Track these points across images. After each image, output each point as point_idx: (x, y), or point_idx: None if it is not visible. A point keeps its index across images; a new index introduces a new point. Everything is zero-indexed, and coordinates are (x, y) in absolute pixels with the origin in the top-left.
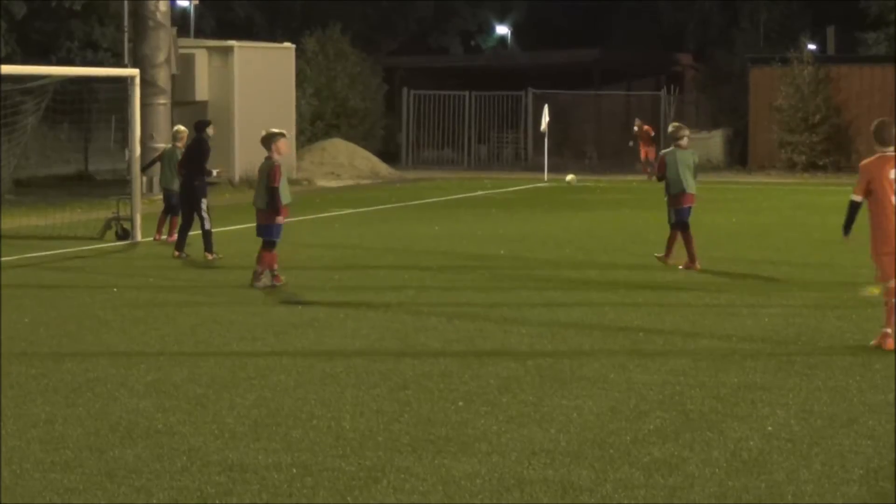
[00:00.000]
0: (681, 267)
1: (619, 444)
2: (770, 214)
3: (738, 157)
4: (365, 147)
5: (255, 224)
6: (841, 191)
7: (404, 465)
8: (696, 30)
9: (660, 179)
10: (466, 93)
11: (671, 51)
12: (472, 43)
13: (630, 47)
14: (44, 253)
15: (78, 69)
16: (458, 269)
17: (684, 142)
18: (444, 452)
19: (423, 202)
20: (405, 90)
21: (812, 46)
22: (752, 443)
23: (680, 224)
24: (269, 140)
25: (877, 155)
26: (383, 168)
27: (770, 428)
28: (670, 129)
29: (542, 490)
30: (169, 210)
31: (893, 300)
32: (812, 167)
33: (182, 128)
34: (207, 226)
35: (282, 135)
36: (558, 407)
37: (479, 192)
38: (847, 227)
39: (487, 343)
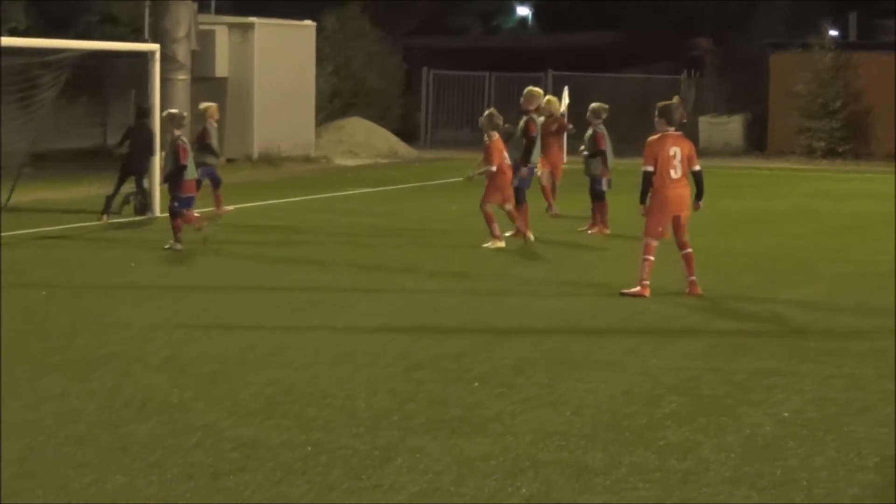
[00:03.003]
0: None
1: (633, 427)
2: (786, 201)
3: (757, 142)
4: (383, 126)
5: (267, 202)
6: (859, 178)
7: (418, 445)
8: (714, 14)
9: (599, 154)
10: (486, 73)
11: (691, 35)
12: (493, 23)
13: (649, 30)
14: (61, 227)
15: (98, 43)
16: (473, 250)
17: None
18: (458, 433)
19: (440, 182)
20: (425, 70)
21: (833, 32)
22: (767, 428)
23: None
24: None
25: (660, 133)
26: (401, 147)
27: (786, 414)
28: (595, 105)
29: (556, 472)
30: (198, 186)
31: (651, 257)
32: (831, 153)
33: (212, 104)
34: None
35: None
36: (573, 389)
37: None
38: (643, 197)
39: (502, 324)
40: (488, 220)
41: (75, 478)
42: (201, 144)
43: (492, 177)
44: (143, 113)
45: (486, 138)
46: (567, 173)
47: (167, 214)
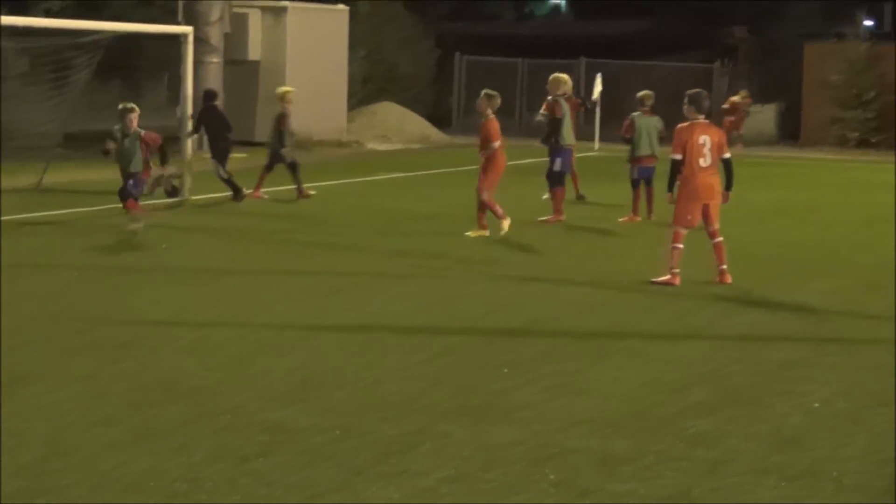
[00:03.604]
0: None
1: (661, 415)
2: (817, 191)
3: (790, 131)
4: (414, 111)
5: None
6: (892, 169)
7: (446, 431)
8: (748, 3)
9: (627, 142)
10: (519, 60)
11: (725, 23)
12: (527, 10)
13: (684, 18)
14: (92, 208)
15: (131, 25)
16: (503, 237)
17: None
18: (485, 419)
19: (471, 168)
20: (457, 55)
21: (868, 22)
22: (795, 419)
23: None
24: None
25: (689, 121)
26: (433, 132)
27: (816, 404)
28: (638, 95)
29: (583, 459)
30: (293, 168)
31: (680, 246)
32: (864, 144)
33: (290, 88)
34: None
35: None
36: (600, 377)
37: (529, 160)
38: (670, 185)
39: (531, 311)
40: (490, 206)
41: (103, 458)
42: (278, 130)
43: (490, 160)
44: (211, 96)
45: (483, 119)
46: (599, 160)
47: (196, 197)
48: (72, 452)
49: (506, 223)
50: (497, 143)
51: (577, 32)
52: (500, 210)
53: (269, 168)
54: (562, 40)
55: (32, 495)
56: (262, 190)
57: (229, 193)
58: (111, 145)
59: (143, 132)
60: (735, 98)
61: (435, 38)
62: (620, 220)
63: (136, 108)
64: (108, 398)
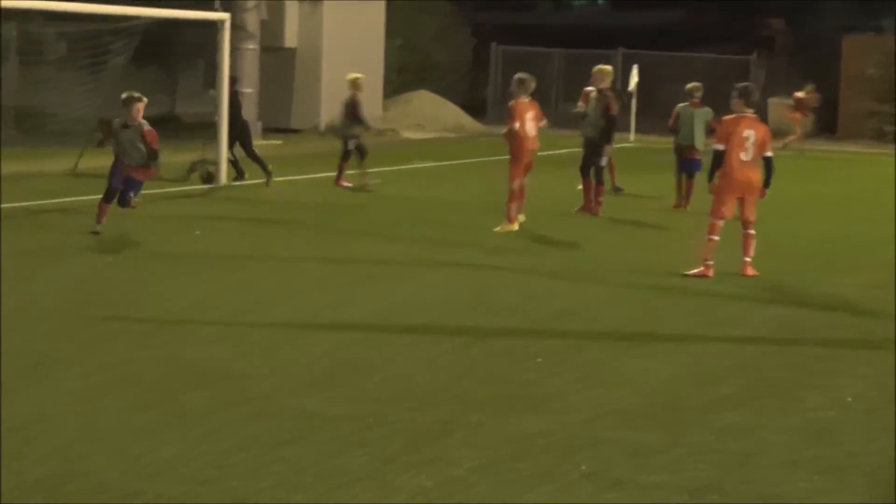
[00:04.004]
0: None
1: (692, 407)
2: (851, 184)
3: (827, 124)
4: (450, 100)
5: (332, 173)
6: None
7: (477, 420)
8: None
9: (674, 132)
10: (555, 50)
11: (762, 14)
12: (563, 0)
13: (720, 9)
14: None
15: (168, 11)
16: (536, 226)
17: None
18: (516, 409)
19: (505, 157)
20: (493, 45)
21: None
22: (828, 412)
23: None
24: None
25: (736, 114)
26: (468, 122)
27: (849, 399)
28: (687, 87)
29: (613, 450)
30: (346, 156)
31: (715, 237)
32: None
33: (360, 75)
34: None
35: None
36: (631, 368)
37: (563, 151)
38: (711, 175)
39: (562, 301)
40: (509, 199)
41: (133, 444)
42: (352, 115)
43: (514, 148)
44: (233, 81)
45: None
46: (635, 151)
47: (233, 183)
48: (101, 438)
49: (511, 227)
50: (516, 125)
51: (614, 23)
52: (513, 213)
53: (361, 154)
54: (599, 31)
55: (62, 480)
56: (365, 174)
57: (263, 179)
58: (101, 136)
59: (146, 126)
60: (800, 94)
61: (471, 28)
62: (672, 205)
63: (144, 98)
64: (139, 384)
